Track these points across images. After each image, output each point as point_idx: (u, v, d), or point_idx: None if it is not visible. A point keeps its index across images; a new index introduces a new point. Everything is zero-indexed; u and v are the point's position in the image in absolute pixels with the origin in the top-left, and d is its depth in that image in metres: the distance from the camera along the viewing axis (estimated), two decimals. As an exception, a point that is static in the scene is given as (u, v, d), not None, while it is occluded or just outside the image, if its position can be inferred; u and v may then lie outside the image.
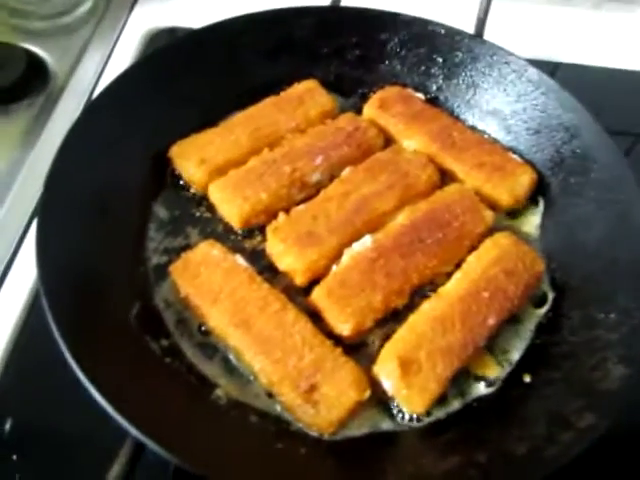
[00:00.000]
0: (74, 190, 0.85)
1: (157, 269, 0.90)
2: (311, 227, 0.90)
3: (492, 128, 1.10)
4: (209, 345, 0.83)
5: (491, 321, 0.83)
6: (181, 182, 1.00)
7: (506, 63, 1.07)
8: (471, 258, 0.90)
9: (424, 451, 0.74)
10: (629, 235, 0.88)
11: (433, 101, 1.13)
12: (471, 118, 1.11)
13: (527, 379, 0.81)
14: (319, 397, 0.75)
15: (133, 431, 0.61)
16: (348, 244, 0.90)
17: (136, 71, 1.01)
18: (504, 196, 0.98)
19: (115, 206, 0.92)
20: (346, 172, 0.99)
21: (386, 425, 0.78)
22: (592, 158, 0.97)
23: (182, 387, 0.77)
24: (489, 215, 0.95)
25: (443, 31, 1.11)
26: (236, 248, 0.92)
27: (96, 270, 0.84)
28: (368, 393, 0.77)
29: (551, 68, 1.34)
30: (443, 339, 0.80)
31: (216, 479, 0.61)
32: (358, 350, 0.84)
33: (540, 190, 1.02)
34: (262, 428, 0.75)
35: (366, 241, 0.89)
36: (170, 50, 1.06)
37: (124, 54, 1.29)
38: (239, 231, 0.95)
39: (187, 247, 0.92)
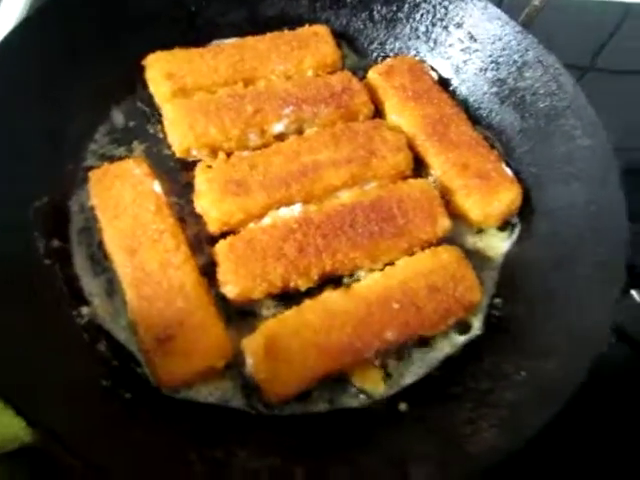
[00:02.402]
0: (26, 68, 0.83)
1: (86, 171, 0.86)
2: (245, 176, 0.82)
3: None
4: (100, 263, 0.80)
5: (389, 335, 0.73)
6: (148, 93, 0.95)
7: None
8: (401, 262, 0.79)
9: (254, 441, 0.67)
10: (581, 307, 0.75)
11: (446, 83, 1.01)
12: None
13: (402, 407, 0.72)
14: (172, 349, 0.70)
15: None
16: (276, 206, 0.82)
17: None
18: (475, 210, 0.86)
19: (70, 96, 0.89)
20: (311, 131, 0.90)
21: (236, 402, 0.72)
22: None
23: (50, 292, 0.74)
24: (444, 225, 0.83)
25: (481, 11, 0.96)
26: (169, 176, 0.87)
27: (21, 150, 0.81)
28: (223, 363, 0.71)
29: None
30: (326, 336, 0.72)
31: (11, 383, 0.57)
32: (246, 317, 0.78)
33: (522, 214, 0.89)
34: (103, 358, 0.71)
35: (295, 209, 0.81)
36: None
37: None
38: (183, 160, 0.90)
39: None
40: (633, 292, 0.99)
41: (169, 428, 0.66)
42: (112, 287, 0.78)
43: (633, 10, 1.29)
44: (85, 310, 0.76)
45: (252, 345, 0.71)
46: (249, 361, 0.71)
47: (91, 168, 0.87)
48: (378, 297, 0.75)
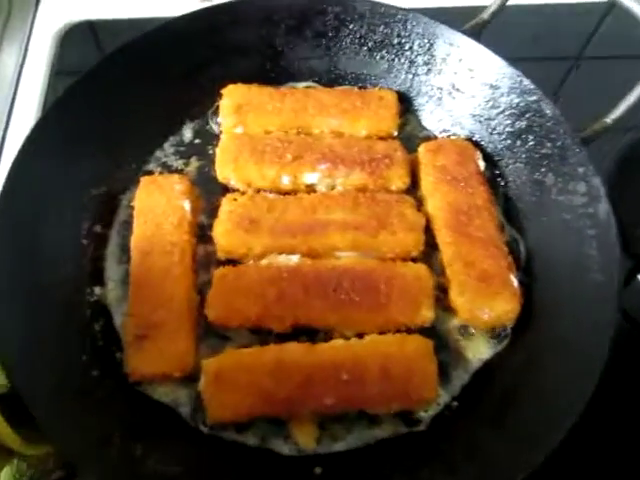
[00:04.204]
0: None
1: (145, 174, 1.01)
2: (260, 217, 0.91)
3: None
4: (127, 254, 0.92)
5: (328, 402, 0.78)
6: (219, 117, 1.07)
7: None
8: (368, 338, 0.83)
9: (175, 449, 0.76)
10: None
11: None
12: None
13: (317, 471, 0.77)
14: (143, 347, 0.81)
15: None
16: (278, 251, 0.89)
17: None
18: (464, 309, 0.86)
19: (154, 107, 1.04)
20: (338, 190, 0.96)
21: (183, 410, 0.82)
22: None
23: (72, 268, 0.89)
24: (426, 316, 0.84)
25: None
26: (207, 196, 0.99)
27: (100, 143, 0.97)
28: (180, 374, 0.81)
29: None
30: (272, 382, 0.78)
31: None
32: (220, 339, 0.87)
33: (516, 328, 0.87)
34: (94, 336, 0.84)
35: (292, 259, 0.88)
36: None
37: (40, 53, 1.25)
38: (224, 185, 1.00)
39: (179, 172, 1.02)
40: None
41: (114, 411, 0.77)
42: (128, 277, 0.91)
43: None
44: (98, 290, 0.90)
45: (209, 366, 0.80)
46: (202, 379, 0.80)
47: (150, 172, 1.02)
48: (332, 363, 0.79)
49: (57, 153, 0.92)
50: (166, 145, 1.06)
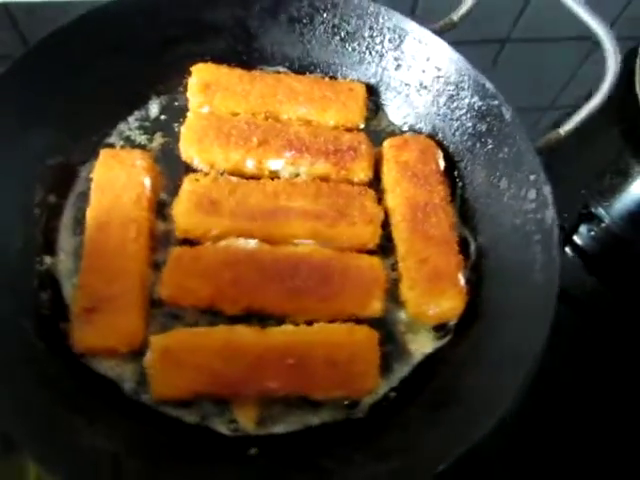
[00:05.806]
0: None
1: (106, 147, 0.99)
2: (221, 199, 0.91)
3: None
4: (83, 226, 0.91)
5: (273, 385, 0.79)
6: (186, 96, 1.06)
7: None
8: (318, 325, 0.84)
9: (115, 424, 0.77)
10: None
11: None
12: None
13: (252, 451, 0.78)
14: (91, 320, 0.81)
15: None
16: (236, 234, 0.90)
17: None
18: (411, 304, 0.89)
19: (119, 78, 1.02)
20: (301, 177, 0.97)
21: (127, 386, 0.82)
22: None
23: (21, 235, 0.87)
24: (375, 308, 0.86)
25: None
26: (169, 174, 0.98)
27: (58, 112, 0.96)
28: (126, 349, 0.81)
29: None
30: (220, 362, 0.79)
31: None
32: (171, 318, 0.87)
33: (463, 324, 0.90)
34: (40, 304, 0.84)
35: (250, 243, 0.89)
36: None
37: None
38: (187, 164, 0.99)
39: (142, 147, 1.01)
40: (567, 249, 1.11)
41: (55, 383, 0.77)
42: (81, 250, 0.90)
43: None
44: (48, 260, 0.89)
45: (156, 343, 0.81)
46: (148, 355, 0.81)
47: (111, 145, 1.00)
48: (280, 347, 0.81)
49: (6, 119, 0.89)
50: (130, 119, 1.04)
